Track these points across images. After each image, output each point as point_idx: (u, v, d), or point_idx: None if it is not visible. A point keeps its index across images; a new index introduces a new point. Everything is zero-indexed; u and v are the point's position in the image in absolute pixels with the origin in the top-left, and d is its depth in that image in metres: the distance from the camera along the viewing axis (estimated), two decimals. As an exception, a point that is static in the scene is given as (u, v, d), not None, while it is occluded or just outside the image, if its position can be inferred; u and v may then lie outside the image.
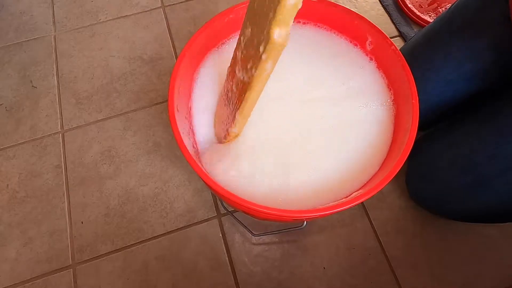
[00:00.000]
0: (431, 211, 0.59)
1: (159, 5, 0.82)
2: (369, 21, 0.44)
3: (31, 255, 0.58)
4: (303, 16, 0.48)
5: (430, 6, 0.80)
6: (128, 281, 0.57)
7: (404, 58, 0.41)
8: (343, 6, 0.45)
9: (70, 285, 0.56)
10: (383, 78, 0.45)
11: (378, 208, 0.61)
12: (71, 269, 0.57)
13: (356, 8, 0.83)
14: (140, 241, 0.59)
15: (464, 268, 0.57)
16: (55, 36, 0.78)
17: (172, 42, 0.77)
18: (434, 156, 0.50)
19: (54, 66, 0.74)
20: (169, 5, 0.81)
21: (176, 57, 0.75)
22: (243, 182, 0.40)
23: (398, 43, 0.79)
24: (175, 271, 0.57)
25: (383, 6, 0.83)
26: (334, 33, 0.48)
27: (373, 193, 0.34)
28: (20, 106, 0.70)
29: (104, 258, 0.58)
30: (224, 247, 0.59)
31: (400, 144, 0.39)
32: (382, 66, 0.45)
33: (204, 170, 0.37)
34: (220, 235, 0.60)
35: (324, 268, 0.58)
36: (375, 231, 0.60)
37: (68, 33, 0.78)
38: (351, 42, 0.47)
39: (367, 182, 0.40)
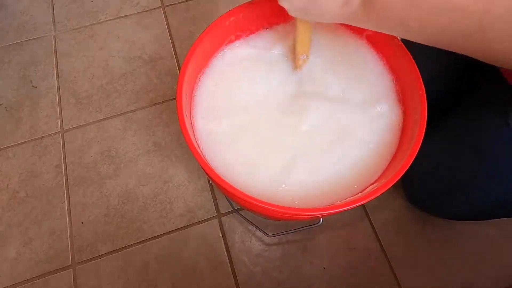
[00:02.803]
0: (426, 212, 0.60)
1: (159, 5, 0.82)
2: None
3: (31, 255, 0.58)
4: None
5: (430, 6, 0.80)
6: (128, 281, 0.57)
7: (407, 52, 0.41)
8: None
9: (70, 285, 0.56)
10: (392, 80, 0.45)
11: (378, 209, 0.61)
12: (71, 269, 0.57)
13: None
14: (140, 241, 0.59)
15: (464, 268, 0.57)
16: (55, 36, 0.78)
17: (172, 42, 0.77)
18: (419, 161, 0.51)
19: (54, 66, 0.74)
20: (169, 5, 0.81)
21: (176, 57, 0.75)
22: (251, 180, 0.40)
23: (398, 43, 0.79)
24: (175, 271, 0.57)
25: (383, 6, 0.83)
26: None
27: (390, 185, 0.35)
28: (20, 106, 0.70)
29: (104, 258, 0.58)
30: (224, 247, 0.59)
31: (410, 139, 0.39)
32: (390, 63, 0.46)
33: (217, 172, 0.37)
34: (220, 235, 0.60)
35: (324, 268, 0.58)
36: (375, 231, 0.60)
37: (68, 33, 0.78)
38: (354, 33, 0.47)
39: (380, 177, 0.40)
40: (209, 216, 0.61)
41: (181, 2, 0.82)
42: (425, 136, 0.38)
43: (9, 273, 0.57)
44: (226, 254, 0.58)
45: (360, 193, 0.39)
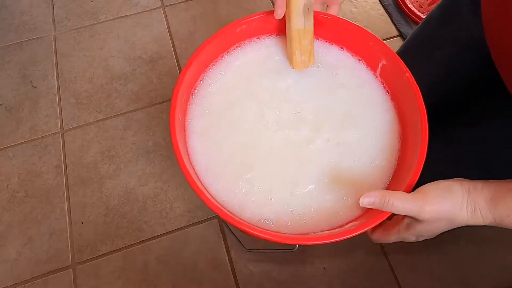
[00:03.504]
0: None
1: (159, 5, 0.82)
2: (385, 44, 0.42)
3: (31, 255, 0.58)
4: (320, 34, 0.47)
5: (430, 6, 0.80)
6: (128, 281, 0.57)
7: (418, 89, 0.39)
8: (358, 26, 0.44)
9: (70, 285, 0.56)
10: (394, 109, 0.43)
11: (378, 208, 0.62)
12: (71, 269, 0.57)
13: (356, 8, 0.83)
14: (140, 241, 0.59)
15: (464, 268, 0.57)
16: (55, 36, 0.78)
17: (172, 42, 0.77)
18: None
19: (54, 66, 0.74)
20: (169, 5, 0.81)
21: (176, 57, 0.75)
22: (242, 198, 0.39)
23: (398, 43, 0.79)
24: (175, 271, 0.57)
25: (383, 6, 0.83)
26: (351, 54, 0.47)
27: (368, 227, 0.33)
28: (20, 106, 0.70)
29: (104, 258, 0.58)
30: (224, 247, 0.59)
31: (402, 179, 0.37)
32: (393, 94, 0.44)
33: (201, 185, 0.37)
34: (220, 235, 0.60)
35: (324, 268, 0.58)
36: (375, 231, 0.60)
37: (68, 33, 0.78)
38: (366, 65, 0.46)
39: (363, 214, 0.39)
40: (209, 216, 0.61)
41: (181, 2, 0.82)
42: (428, 142, 0.37)
43: (9, 273, 0.57)
44: (226, 254, 0.58)
45: (338, 229, 0.38)
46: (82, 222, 0.61)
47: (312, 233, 0.37)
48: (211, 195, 0.36)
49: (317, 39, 0.47)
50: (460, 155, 0.48)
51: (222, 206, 0.35)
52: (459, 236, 0.59)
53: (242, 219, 0.34)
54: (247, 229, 0.33)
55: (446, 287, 0.57)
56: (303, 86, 0.45)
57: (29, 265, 0.58)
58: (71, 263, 0.58)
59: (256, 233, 0.33)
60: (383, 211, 0.34)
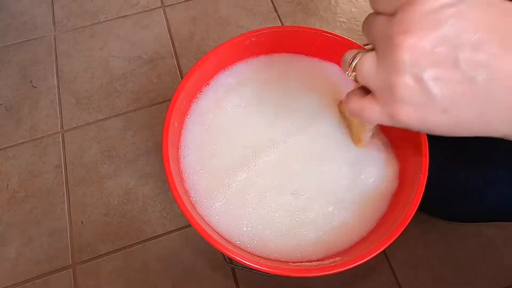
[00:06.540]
0: (426, 213, 0.60)
1: (159, 5, 0.82)
2: None
3: (31, 255, 0.58)
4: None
5: (430, 6, 0.80)
6: (128, 281, 0.57)
7: None
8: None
9: (70, 285, 0.56)
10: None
11: (378, 208, 0.61)
12: (71, 269, 0.57)
13: (356, 8, 0.83)
14: (140, 241, 0.59)
15: (464, 268, 0.57)
16: (55, 36, 0.78)
17: (172, 42, 0.77)
18: None
19: (54, 66, 0.74)
20: (169, 5, 0.81)
21: (176, 57, 0.75)
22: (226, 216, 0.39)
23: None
24: (175, 271, 0.57)
25: (383, 6, 0.83)
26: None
27: (353, 264, 0.32)
28: (20, 106, 0.70)
29: (104, 258, 0.58)
30: (224, 247, 0.59)
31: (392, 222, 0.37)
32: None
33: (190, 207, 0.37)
34: (220, 235, 0.60)
35: (324, 268, 0.58)
36: (375, 231, 0.60)
37: (68, 33, 0.78)
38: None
39: (353, 246, 0.39)
40: (209, 216, 0.61)
41: (181, 2, 0.82)
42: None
43: (9, 273, 0.57)
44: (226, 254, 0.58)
45: (318, 262, 0.37)
46: (82, 222, 0.61)
47: (288, 265, 0.37)
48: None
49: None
50: (457, 155, 0.49)
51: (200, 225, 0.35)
52: (460, 236, 0.59)
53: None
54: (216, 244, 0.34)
55: (446, 287, 0.57)
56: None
57: (29, 265, 0.58)
58: (71, 263, 0.58)
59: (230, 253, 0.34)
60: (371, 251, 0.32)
